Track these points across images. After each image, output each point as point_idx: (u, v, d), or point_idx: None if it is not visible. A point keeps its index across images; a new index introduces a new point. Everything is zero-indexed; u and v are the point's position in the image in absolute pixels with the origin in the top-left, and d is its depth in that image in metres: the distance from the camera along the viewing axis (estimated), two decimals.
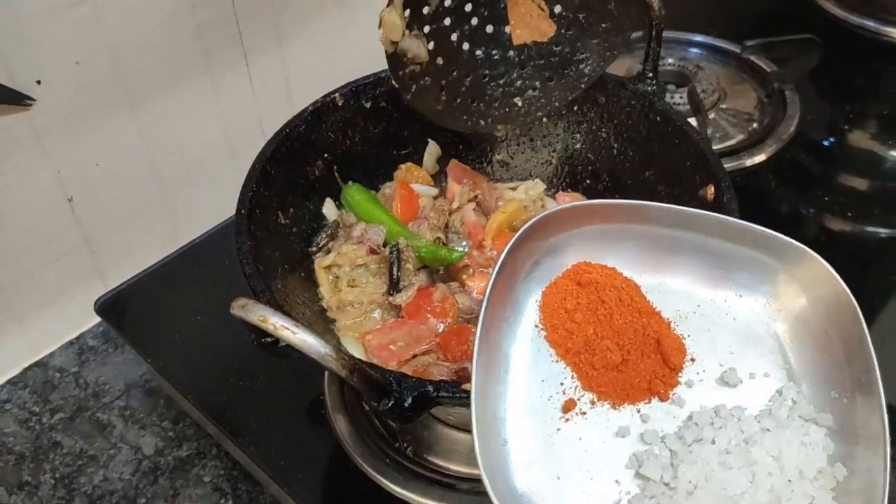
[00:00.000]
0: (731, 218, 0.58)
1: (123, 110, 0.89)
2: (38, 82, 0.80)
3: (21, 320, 0.91)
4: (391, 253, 0.75)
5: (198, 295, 0.92)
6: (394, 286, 0.74)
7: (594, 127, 0.84)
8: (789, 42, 1.20)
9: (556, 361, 0.55)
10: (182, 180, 1.00)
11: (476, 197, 0.81)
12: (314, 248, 0.78)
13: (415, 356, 0.69)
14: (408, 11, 0.69)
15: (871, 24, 1.31)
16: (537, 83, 0.79)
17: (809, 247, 0.55)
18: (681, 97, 1.14)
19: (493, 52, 0.76)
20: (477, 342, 0.51)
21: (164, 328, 0.89)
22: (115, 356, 0.94)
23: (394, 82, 0.73)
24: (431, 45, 0.72)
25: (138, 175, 0.95)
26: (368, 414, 0.78)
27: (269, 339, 0.55)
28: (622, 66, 1.21)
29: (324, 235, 0.79)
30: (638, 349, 0.55)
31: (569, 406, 0.53)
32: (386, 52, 0.71)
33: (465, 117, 0.78)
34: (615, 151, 0.83)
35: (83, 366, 0.93)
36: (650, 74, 0.79)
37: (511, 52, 0.77)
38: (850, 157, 1.14)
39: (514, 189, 0.87)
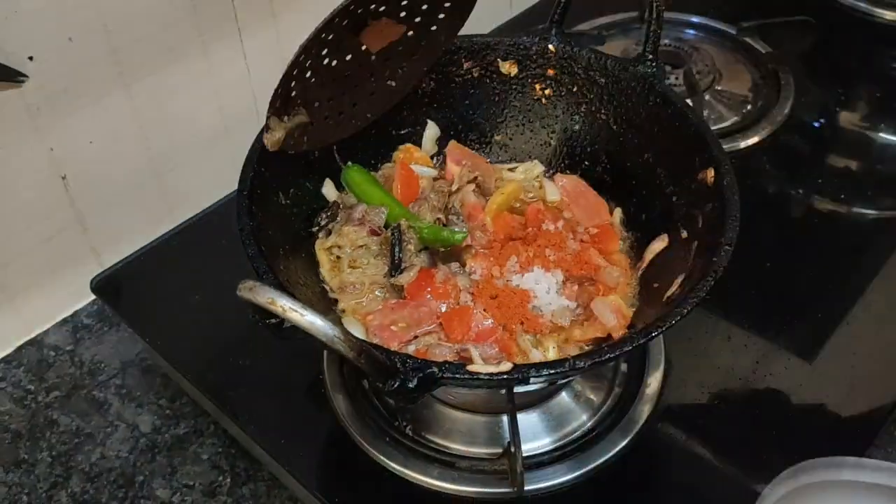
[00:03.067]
0: None
1: (117, 87, 0.88)
2: (31, 58, 0.79)
3: (14, 298, 0.90)
4: (393, 234, 0.75)
5: (193, 274, 0.91)
6: (395, 267, 0.74)
7: (593, 108, 0.83)
8: (785, 23, 1.20)
9: None
10: (176, 158, 0.99)
11: (476, 178, 0.81)
12: (315, 229, 0.78)
13: (416, 337, 0.69)
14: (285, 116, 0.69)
15: (863, 4, 1.32)
16: (404, 64, 0.78)
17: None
18: (676, 78, 1.14)
19: (359, 67, 0.74)
20: None
21: (160, 307, 0.89)
22: (111, 335, 0.94)
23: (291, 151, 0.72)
24: (305, 108, 0.71)
25: (132, 153, 0.94)
26: (368, 393, 0.78)
27: (273, 321, 0.55)
28: (617, 48, 1.21)
29: (324, 216, 0.79)
30: None
31: None
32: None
33: (354, 121, 0.78)
34: (614, 133, 0.82)
35: (78, 344, 0.93)
36: (650, 56, 0.79)
37: (373, 58, 0.75)
38: (841, 139, 1.14)
39: (512, 170, 0.87)
